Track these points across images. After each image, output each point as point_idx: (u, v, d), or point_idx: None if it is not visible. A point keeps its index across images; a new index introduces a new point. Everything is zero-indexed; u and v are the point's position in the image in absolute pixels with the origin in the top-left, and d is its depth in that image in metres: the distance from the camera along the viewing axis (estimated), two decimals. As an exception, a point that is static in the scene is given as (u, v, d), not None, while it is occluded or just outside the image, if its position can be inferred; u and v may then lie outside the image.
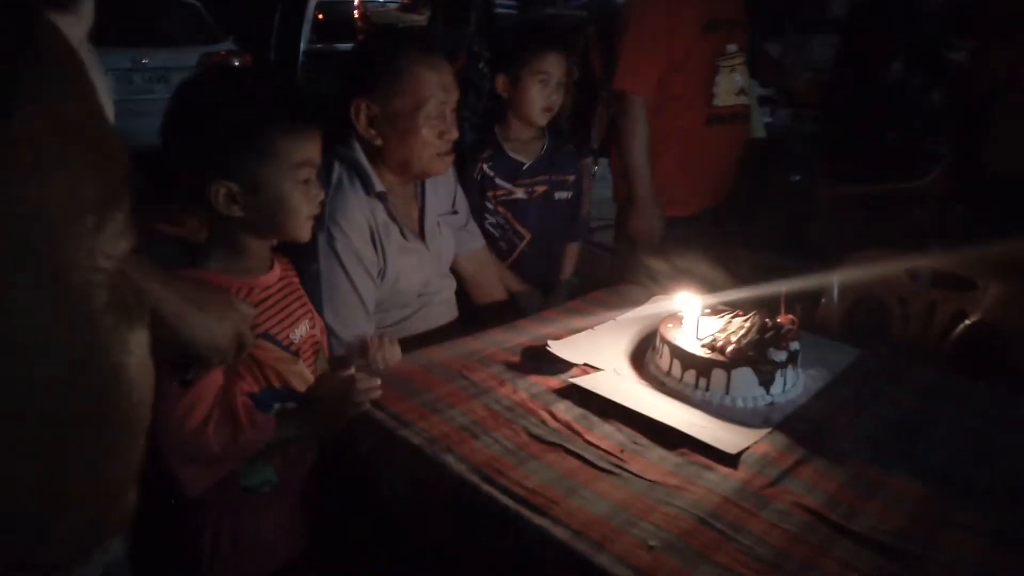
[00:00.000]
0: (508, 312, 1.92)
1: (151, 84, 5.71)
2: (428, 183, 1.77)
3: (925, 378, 1.51)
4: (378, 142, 1.62)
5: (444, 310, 1.81)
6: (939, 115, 2.22)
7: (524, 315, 1.80)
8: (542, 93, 2.01)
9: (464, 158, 2.03)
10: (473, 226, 1.97)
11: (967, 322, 1.77)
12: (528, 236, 2.09)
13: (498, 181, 2.05)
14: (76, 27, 0.30)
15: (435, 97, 1.58)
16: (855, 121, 2.38)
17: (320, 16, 7.81)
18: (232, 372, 1.16)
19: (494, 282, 2.02)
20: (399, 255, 1.65)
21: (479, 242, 1.98)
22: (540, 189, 2.09)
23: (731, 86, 2.32)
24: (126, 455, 0.38)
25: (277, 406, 1.24)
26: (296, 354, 1.28)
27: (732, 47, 2.31)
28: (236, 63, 5.92)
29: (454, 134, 1.64)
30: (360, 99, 1.59)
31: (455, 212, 1.90)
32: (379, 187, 1.61)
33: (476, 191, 2.03)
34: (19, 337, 0.29)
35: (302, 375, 1.29)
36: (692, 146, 2.32)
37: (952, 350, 1.77)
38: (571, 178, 2.14)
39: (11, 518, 0.32)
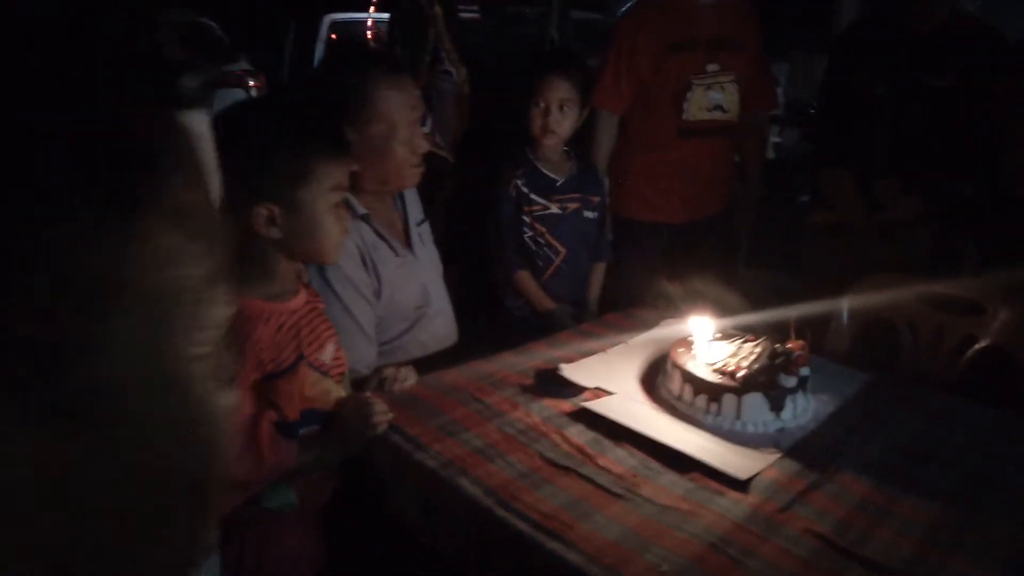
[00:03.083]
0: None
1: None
2: (406, 192, 1.82)
3: (934, 403, 1.52)
4: (356, 168, 1.64)
5: (442, 323, 1.82)
6: (917, 143, 2.20)
7: (557, 331, 1.85)
8: (539, 117, 2.08)
9: (495, 174, 2.13)
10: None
11: (976, 347, 1.78)
12: (563, 252, 2.14)
13: (533, 196, 2.11)
14: (197, 121, 0.33)
15: (406, 117, 1.64)
16: (842, 146, 2.38)
17: (334, 36, 7.90)
18: (262, 401, 1.19)
19: None
20: (392, 271, 1.67)
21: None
22: (572, 206, 2.15)
23: (705, 102, 2.40)
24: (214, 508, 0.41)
25: (303, 431, 1.27)
26: (327, 375, 1.31)
27: (713, 67, 2.38)
28: (251, 82, 6.00)
29: (424, 147, 1.70)
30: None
31: (426, 220, 1.93)
32: (361, 210, 1.64)
33: (512, 207, 2.11)
34: (125, 413, 0.31)
35: (337, 395, 1.33)
36: (667, 155, 2.45)
37: (962, 375, 1.78)
38: (596, 199, 2.21)
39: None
